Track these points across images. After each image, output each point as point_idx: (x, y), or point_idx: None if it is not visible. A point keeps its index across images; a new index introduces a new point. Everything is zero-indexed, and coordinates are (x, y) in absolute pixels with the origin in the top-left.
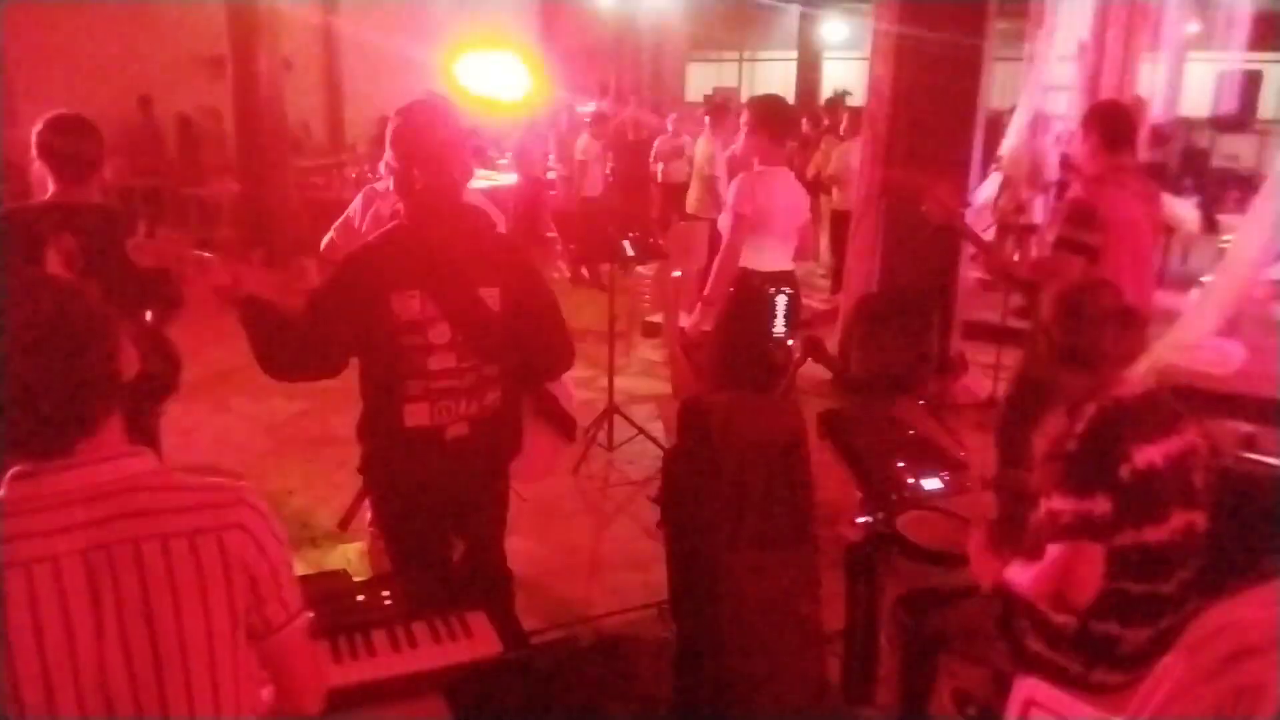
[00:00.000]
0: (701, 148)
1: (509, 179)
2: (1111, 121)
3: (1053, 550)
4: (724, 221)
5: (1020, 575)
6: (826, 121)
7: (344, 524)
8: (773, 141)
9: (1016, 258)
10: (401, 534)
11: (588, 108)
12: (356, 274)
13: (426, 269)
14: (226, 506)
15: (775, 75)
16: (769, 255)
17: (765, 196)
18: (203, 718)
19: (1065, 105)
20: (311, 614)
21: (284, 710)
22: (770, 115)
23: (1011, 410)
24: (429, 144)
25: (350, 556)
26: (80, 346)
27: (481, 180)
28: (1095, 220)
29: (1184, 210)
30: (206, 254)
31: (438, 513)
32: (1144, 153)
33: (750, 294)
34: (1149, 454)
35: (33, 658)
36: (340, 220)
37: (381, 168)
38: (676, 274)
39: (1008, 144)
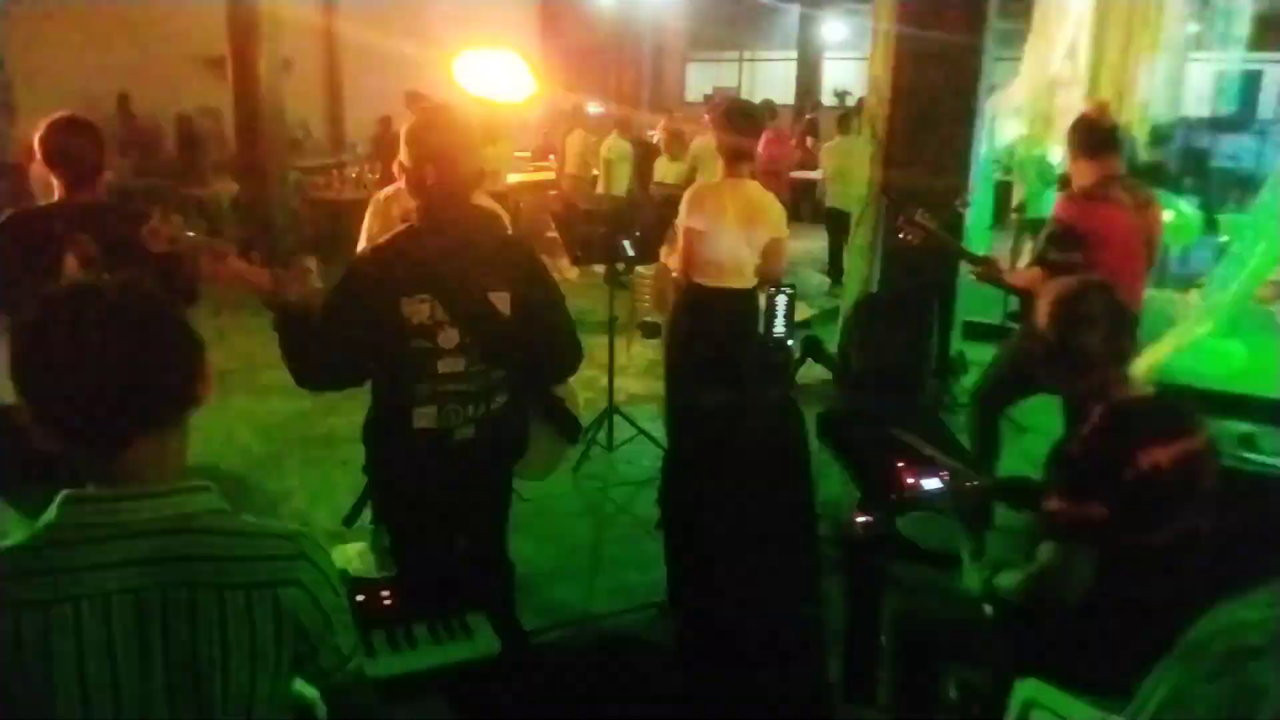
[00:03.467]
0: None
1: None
2: (1086, 134)
3: (1046, 549)
4: (674, 236)
5: (1010, 579)
6: None
7: (349, 521)
8: (734, 149)
9: (1030, 247)
10: (407, 533)
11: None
12: (366, 278)
13: (437, 273)
14: (287, 560)
15: (775, 75)
16: (716, 271)
17: (718, 209)
18: None
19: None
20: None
21: None
22: (732, 122)
23: (984, 401)
24: (441, 145)
25: (350, 556)
26: (157, 346)
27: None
28: (1073, 238)
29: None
30: (220, 242)
31: (443, 513)
32: (1144, 153)
33: (700, 310)
34: (1154, 457)
35: (75, 698)
36: (362, 236)
37: (395, 168)
38: (676, 274)
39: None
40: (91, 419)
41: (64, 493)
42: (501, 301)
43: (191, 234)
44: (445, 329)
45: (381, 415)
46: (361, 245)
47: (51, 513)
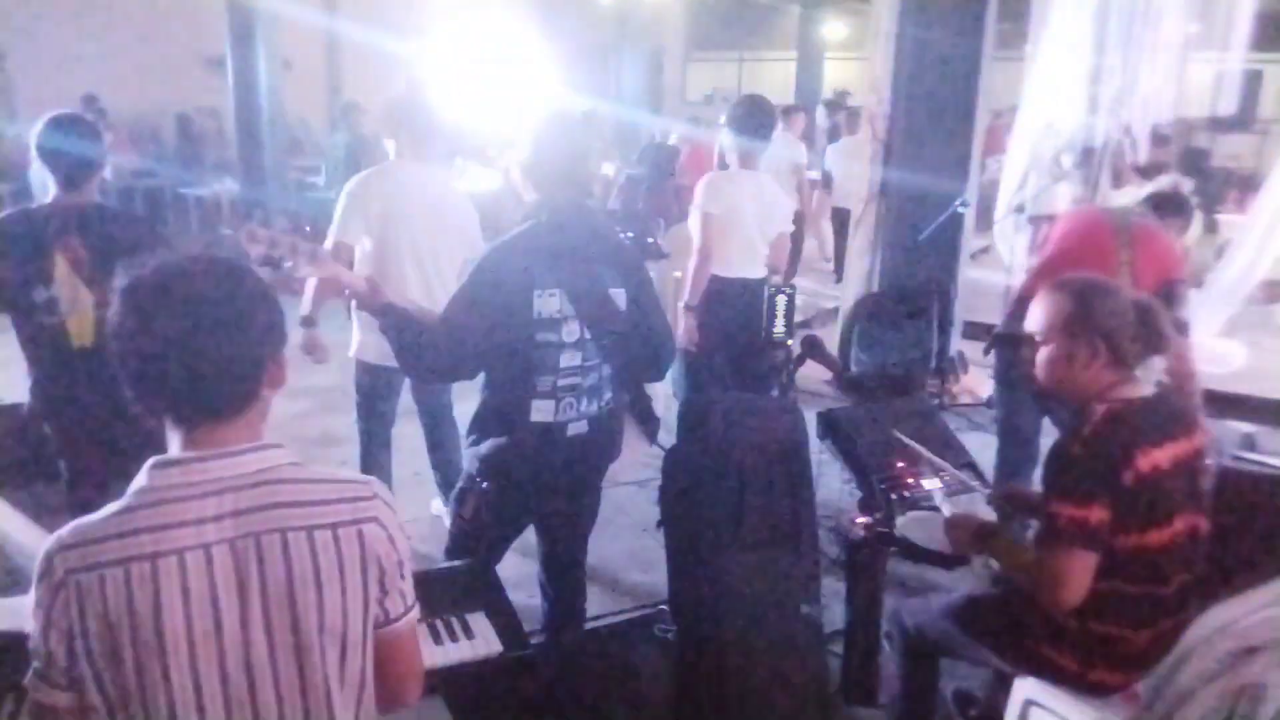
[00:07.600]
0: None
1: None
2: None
3: (1046, 550)
4: (692, 223)
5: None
6: None
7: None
8: (747, 144)
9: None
10: (492, 526)
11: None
12: (503, 270)
13: (566, 268)
14: (364, 500)
15: (775, 75)
16: (734, 260)
17: (734, 197)
18: (337, 703)
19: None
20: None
21: (384, 697)
22: (747, 117)
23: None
24: (562, 153)
25: None
26: (248, 322)
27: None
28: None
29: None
30: (319, 246)
31: (540, 507)
32: (1144, 152)
33: (717, 301)
34: (1155, 458)
35: (182, 643)
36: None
37: (511, 167)
38: (677, 274)
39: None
40: (185, 407)
41: (152, 459)
42: (619, 298)
43: (289, 233)
44: (569, 323)
45: (497, 408)
46: (334, 230)
47: (142, 478)
